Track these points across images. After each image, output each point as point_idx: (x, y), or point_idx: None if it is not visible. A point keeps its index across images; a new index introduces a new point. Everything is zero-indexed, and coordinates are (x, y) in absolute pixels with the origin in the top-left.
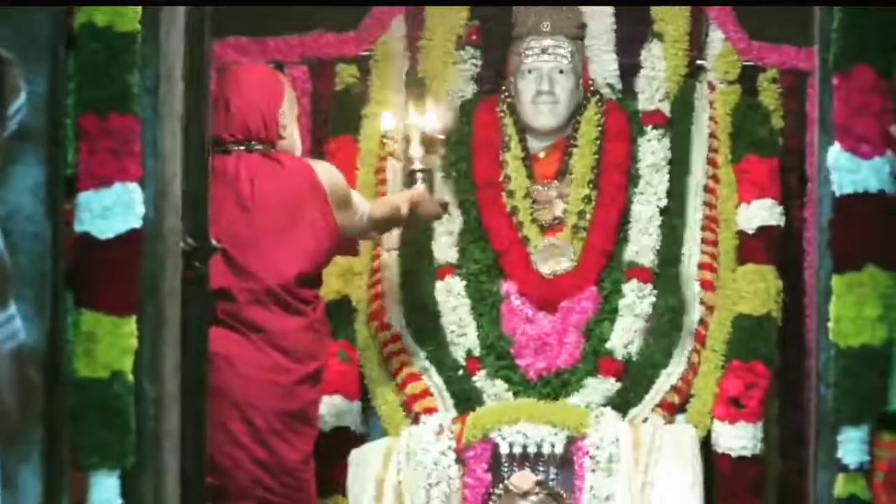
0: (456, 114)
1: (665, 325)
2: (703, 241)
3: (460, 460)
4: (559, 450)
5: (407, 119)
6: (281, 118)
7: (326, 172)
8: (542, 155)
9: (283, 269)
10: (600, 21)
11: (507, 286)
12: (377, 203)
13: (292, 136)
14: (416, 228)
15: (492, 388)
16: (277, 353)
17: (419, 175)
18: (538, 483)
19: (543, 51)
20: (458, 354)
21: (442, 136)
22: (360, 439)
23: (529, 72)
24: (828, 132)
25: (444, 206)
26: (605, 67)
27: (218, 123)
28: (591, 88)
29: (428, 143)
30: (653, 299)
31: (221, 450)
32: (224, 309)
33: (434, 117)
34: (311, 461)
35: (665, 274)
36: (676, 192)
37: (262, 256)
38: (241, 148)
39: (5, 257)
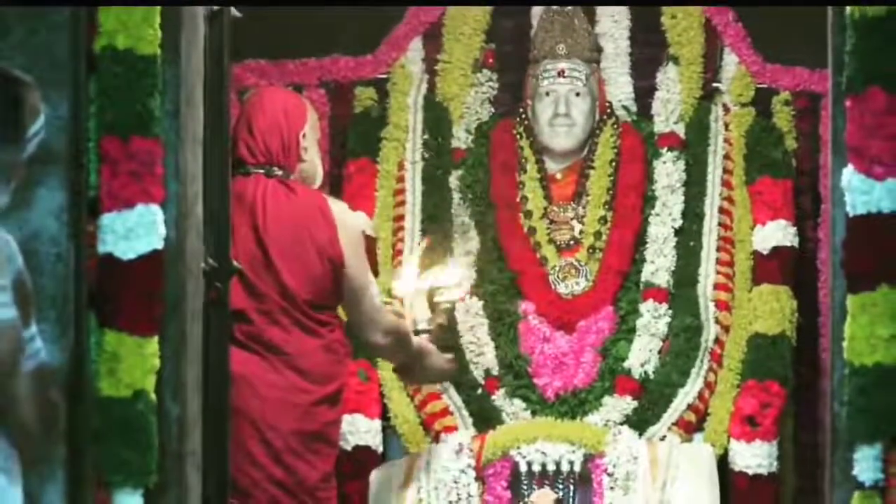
0: (473, 137)
1: (681, 345)
2: (719, 261)
3: (480, 478)
4: (577, 467)
5: (414, 283)
6: (302, 140)
7: (342, 211)
8: (559, 176)
9: (290, 290)
10: (616, 44)
11: (524, 306)
12: (392, 312)
13: (313, 160)
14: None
15: (510, 407)
16: (295, 374)
17: (423, 335)
18: (557, 501)
19: (560, 74)
20: (477, 373)
21: (449, 304)
22: (380, 458)
23: (547, 94)
24: (841, 154)
25: (453, 369)
26: (620, 90)
27: (240, 145)
28: (607, 111)
29: (434, 306)
30: (669, 319)
31: (241, 470)
32: (242, 330)
33: (444, 279)
34: (333, 480)
35: (681, 294)
36: (692, 214)
37: (274, 279)
38: (261, 171)
39: (27, 277)
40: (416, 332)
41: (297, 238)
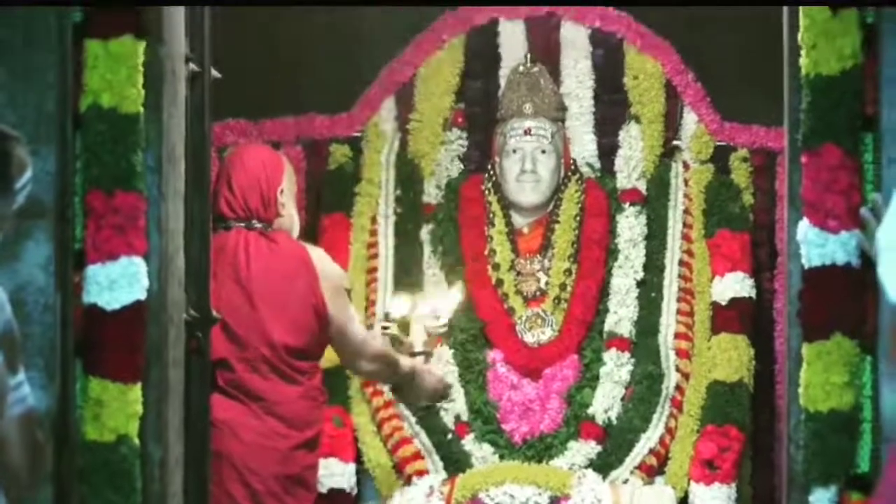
0: (443, 192)
1: (643, 392)
2: (679, 311)
3: None
4: None
5: (412, 310)
6: (280, 196)
7: (320, 256)
8: (525, 230)
9: (274, 341)
10: (580, 103)
11: (493, 354)
12: (377, 339)
13: (291, 214)
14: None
15: (479, 451)
16: (275, 420)
17: (419, 357)
18: None
19: (526, 132)
20: (448, 419)
21: (442, 329)
22: (354, 500)
23: (514, 151)
24: (797, 208)
25: (446, 386)
26: (584, 147)
27: (221, 201)
28: (572, 167)
29: (430, 334)
30: (631, 367)
31: None
32: (224, 378)
33: (437, 309)
34: None
35: (643, 343)
36: (653, 266)
37: (257, 328)
38: (241, 225)
39: (14, 326)
40: (413, 355)
41: (281, 289)
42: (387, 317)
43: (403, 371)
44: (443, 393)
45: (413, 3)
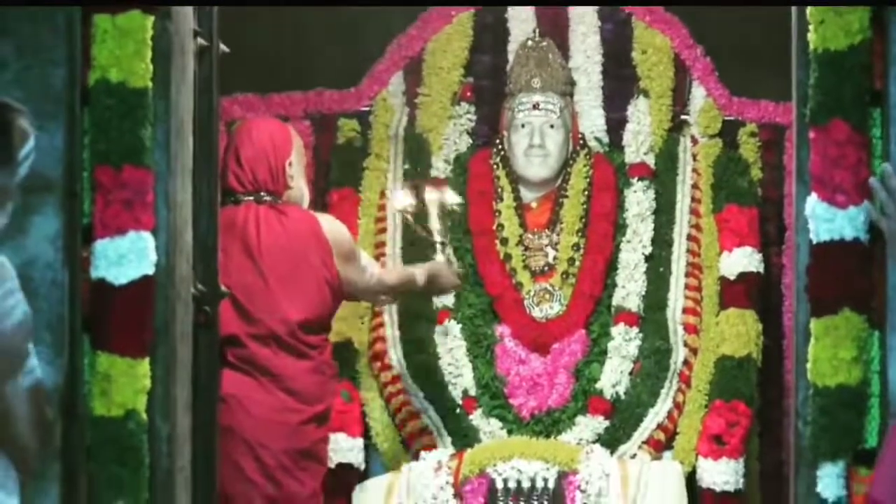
0: (451, 167)
1: (651, 367)
2: (687, 286)
3: (458, 494)
4: (551, 484)
5: (425, 193)
6: (288, 169)
7: (331, 225)
8: (533, 205)
9: (287, 317)
10: (588, 78)
11: (501, 329)
12: (392, 271)
13: (300, 187)
14: (436, 296)
15: (487, 426)
16: (285, 395)
17: (439, 247)
18: None
19: (535, 106)
20: (455, 394)
21: (458, 206)
22: (362, 475)
23: (522, 126)
24: (805, 183)
25: (463, 277)
26: (593, 122)
27: (229, 174)
28: (580, 142)
29: (446, 215)
30: (639, 342)
31: (233, 486)
32: (235, 353)
33: (452, 191)
34: (320, 496)
35: (651, 318)
36: (661, 241)
37: (268, 304)
38: (251, 198)
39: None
40: (434, 244)
41: (293, 264)
42: (403, 211)
43: (422, 281)
44: (460, 286)
45: (412, 4)
